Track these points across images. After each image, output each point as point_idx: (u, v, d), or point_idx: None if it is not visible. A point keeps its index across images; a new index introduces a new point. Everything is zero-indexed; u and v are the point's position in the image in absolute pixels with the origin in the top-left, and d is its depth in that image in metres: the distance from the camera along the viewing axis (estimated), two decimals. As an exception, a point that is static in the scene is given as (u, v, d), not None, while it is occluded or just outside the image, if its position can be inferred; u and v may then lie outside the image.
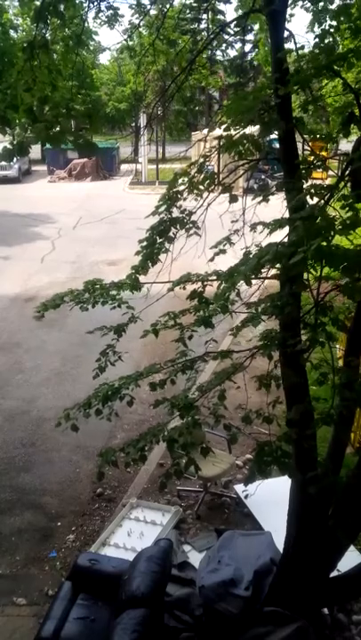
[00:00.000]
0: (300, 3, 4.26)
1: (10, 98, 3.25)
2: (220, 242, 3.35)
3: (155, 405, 3.31)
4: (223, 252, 3.30)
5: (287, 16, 3.46)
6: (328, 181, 4.07)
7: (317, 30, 3.99)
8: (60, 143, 3.04)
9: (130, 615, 3.43)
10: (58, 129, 3.06)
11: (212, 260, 3.23)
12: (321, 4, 4.16)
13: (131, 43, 6.60)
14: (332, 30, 3.90)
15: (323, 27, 3.78)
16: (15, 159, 24.14)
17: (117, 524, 5.35)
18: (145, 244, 3.60)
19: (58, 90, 3.49)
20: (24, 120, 3.30)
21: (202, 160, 3.58)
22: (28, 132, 3.14)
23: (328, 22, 3.94)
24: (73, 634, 3.78)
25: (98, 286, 3.59)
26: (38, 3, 4.04)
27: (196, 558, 4.74)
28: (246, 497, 5.39)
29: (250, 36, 26.52)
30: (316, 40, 3.48)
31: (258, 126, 3.29)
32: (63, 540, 5.35)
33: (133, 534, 5.21)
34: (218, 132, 3.56)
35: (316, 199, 2.90)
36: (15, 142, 3.15)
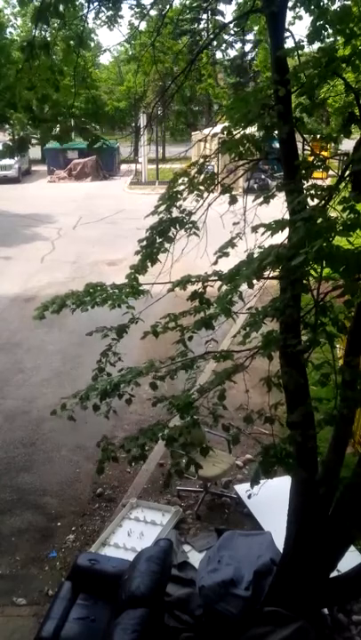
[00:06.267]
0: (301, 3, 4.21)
1: (8, 97, 3.23)
2: (224, 246, 3.35)
3: (154, 404, 3.30)
4: (226, 254, 3.30)
5: (291, 18, 3.43)
6: (328, 181, 4.06)
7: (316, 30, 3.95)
8: (65, 141, 3.03)
9: (130, 615, 3.43)
10: (62, 127, 3.05)
11: (215, 263, 3.23)
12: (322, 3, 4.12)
13: (131, 43, 6.59)
14: (330, 30, 3.87)
15: (318, 24, 3.73)
16: (15, 158, 24.17)
17: (117, 524, 5.35)
18: (144, 243, 3.59)
19: (60, 90, 3.47)
20: (23, 116, 3.29)
21: (202, 161, 3.58)
22: (28, 130, 3.14)
23: (323, 23, 3.89)
24: (73, 634, 3.79)
25: (99, 288, 3.58)
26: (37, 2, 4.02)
27: (196, 558, 4.73)
28: (250, 497, 5.39)
29: (250, 36, 26.47)
30: (315, 40, 3.46)
31: (257, 125, 3.28)
32: (63, 540, 5.35)
33: (133, 534, 5.21)
34: (218, 129, 3.54)
35: (316, 200, 2.90)
36: (15, 139, 3.13)
